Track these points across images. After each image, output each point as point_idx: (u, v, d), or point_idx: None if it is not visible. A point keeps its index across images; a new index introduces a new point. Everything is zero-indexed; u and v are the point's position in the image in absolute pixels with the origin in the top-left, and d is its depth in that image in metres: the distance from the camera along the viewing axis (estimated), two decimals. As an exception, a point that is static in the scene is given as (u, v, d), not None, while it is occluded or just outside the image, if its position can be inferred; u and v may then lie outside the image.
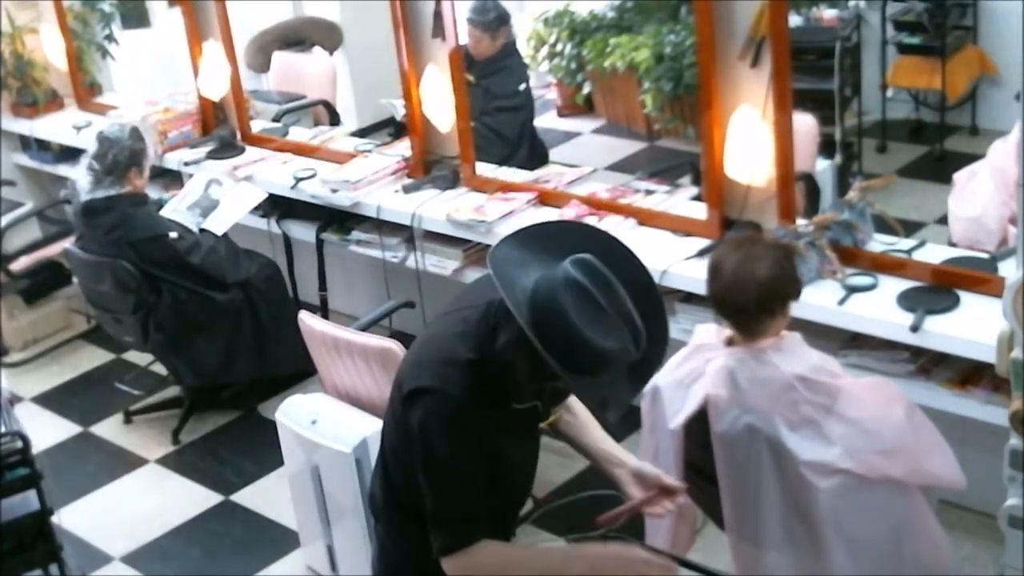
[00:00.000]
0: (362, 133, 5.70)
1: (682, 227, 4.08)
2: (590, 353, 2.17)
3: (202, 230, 4.83)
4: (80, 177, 4.72)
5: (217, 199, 4.95)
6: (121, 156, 4.64)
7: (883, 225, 3.75)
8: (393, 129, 5.56)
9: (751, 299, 2.75)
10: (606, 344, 2.17)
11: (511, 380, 2.34)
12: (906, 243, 3.72)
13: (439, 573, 2.44)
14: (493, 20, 5.33)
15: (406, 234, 4.67)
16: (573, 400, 2.61)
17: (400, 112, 5.11)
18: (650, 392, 3.00)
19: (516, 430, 2.47)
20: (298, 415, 3.82)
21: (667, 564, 2.44)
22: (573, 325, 2.15)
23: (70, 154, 5.95)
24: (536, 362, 2.21)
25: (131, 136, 4.70)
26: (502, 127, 5.26)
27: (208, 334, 4.83)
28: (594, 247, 2.27)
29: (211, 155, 5.39)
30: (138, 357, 5.44)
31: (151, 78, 6.50)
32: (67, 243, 5.06)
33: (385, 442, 2.57)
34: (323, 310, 5.16)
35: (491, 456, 2.39)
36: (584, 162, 5.04)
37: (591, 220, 4.17)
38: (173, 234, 4.71)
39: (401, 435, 2.43)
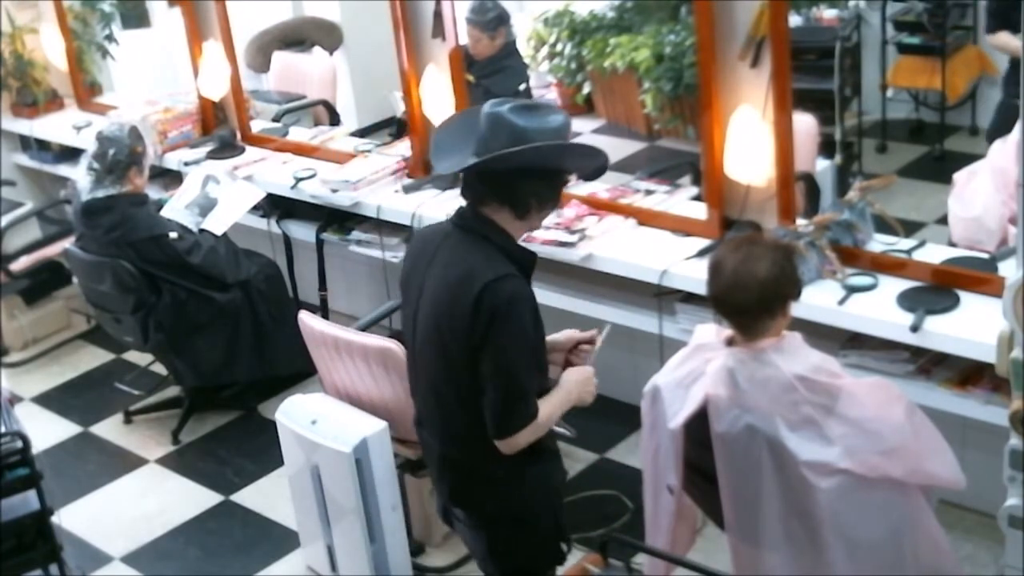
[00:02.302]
0: (362, 133, 5.70)
1: (682, 227, 4.08)
2: (562, 126, 2.73)
3: (202, 230, 4.84)
4: (80, 177, 4.72)
5: (215, 198, 4.95)
6: (121, 156, 4.64)
7: (883, 225, 3.74)
8: (394, 129, 5.56)
9: (751, 299, 2.75)
10: (561, 117, 2.75)
11: (519, 248, 2.81)
12: (906, 243, 3.72)
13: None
14: (492, 20, 5.33)
15: (406, 234, 4.66)
16: None
17: (401, 107, 5.11)
18: (650, 392, 3.01)
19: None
20: (298, 415, 3.82)
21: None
22: (534, 123, 2.69)
23: (70, 154, 5.96)
24: (523, 200, 2.73)
25: (131, 136, 4.71)
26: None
27: (208, 334, 4.83)
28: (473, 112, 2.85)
29: (211, 155, 5.39)
30: (138, 357, 5.44)
31: (151, 78, 6.50)
32: (67, 243, 5.06)
33: (448, 384, 2.82)
34: (323, 310, 5.16)
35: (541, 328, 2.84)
36: (584, 162, 5.02)
37: (591, 220, 4.18)
38: (173, 234, 4.71)
39: (479, 334, 2.69)
